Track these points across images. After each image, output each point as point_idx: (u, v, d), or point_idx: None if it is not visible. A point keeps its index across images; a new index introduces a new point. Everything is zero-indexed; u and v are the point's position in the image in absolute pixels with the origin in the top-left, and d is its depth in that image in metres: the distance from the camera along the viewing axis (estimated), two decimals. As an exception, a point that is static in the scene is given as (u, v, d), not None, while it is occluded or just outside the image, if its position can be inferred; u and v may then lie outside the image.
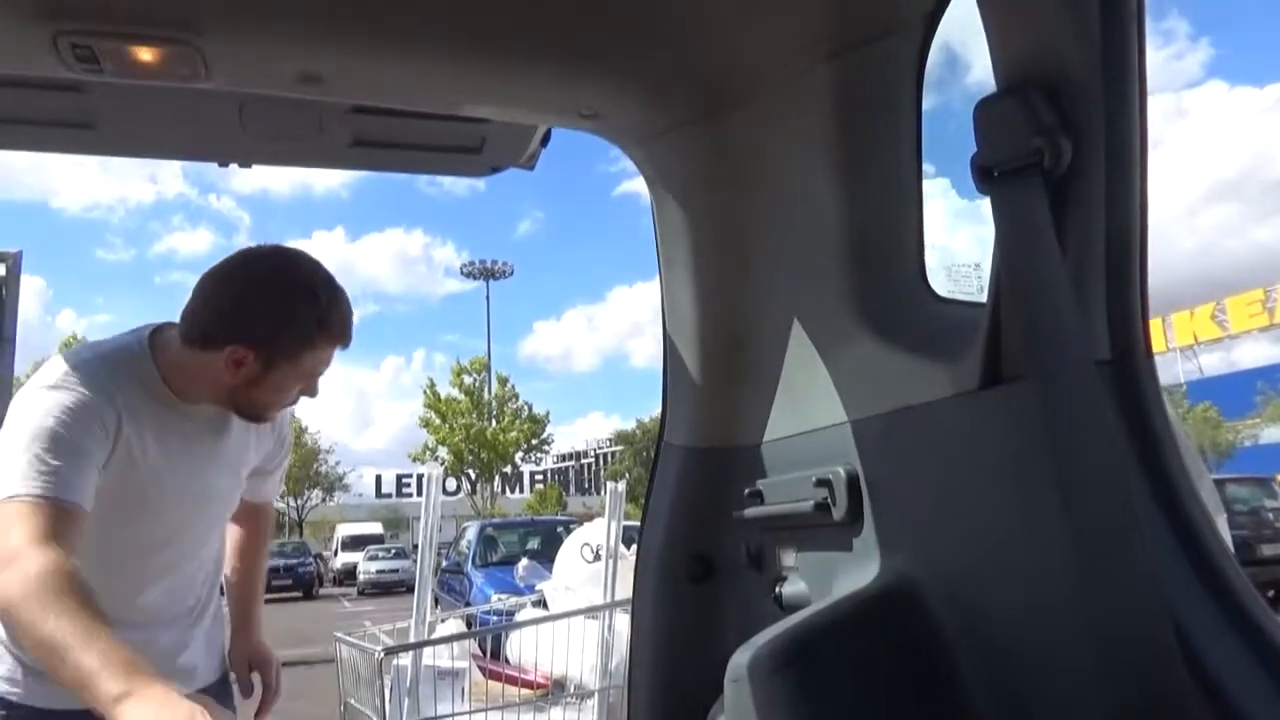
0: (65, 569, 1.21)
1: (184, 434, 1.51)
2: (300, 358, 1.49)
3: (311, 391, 1.57)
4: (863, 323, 1.19)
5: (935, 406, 1.05)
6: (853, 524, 1.18)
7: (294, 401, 1.59)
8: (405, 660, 2.34)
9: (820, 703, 1.03)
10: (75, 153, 1.94)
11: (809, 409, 1.28)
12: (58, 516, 1.26)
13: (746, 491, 1.39)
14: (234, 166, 1.84)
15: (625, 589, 2.71)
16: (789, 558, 1.34)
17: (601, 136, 1.41)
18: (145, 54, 1.15)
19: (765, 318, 1.37)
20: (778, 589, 1.33)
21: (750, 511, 1.38)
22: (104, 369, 1.43)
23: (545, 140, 1.77)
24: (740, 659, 1.03)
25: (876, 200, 1.21)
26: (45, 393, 1.36)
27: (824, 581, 1.24)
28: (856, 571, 1.16)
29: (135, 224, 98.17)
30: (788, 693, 1.02)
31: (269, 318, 1.44)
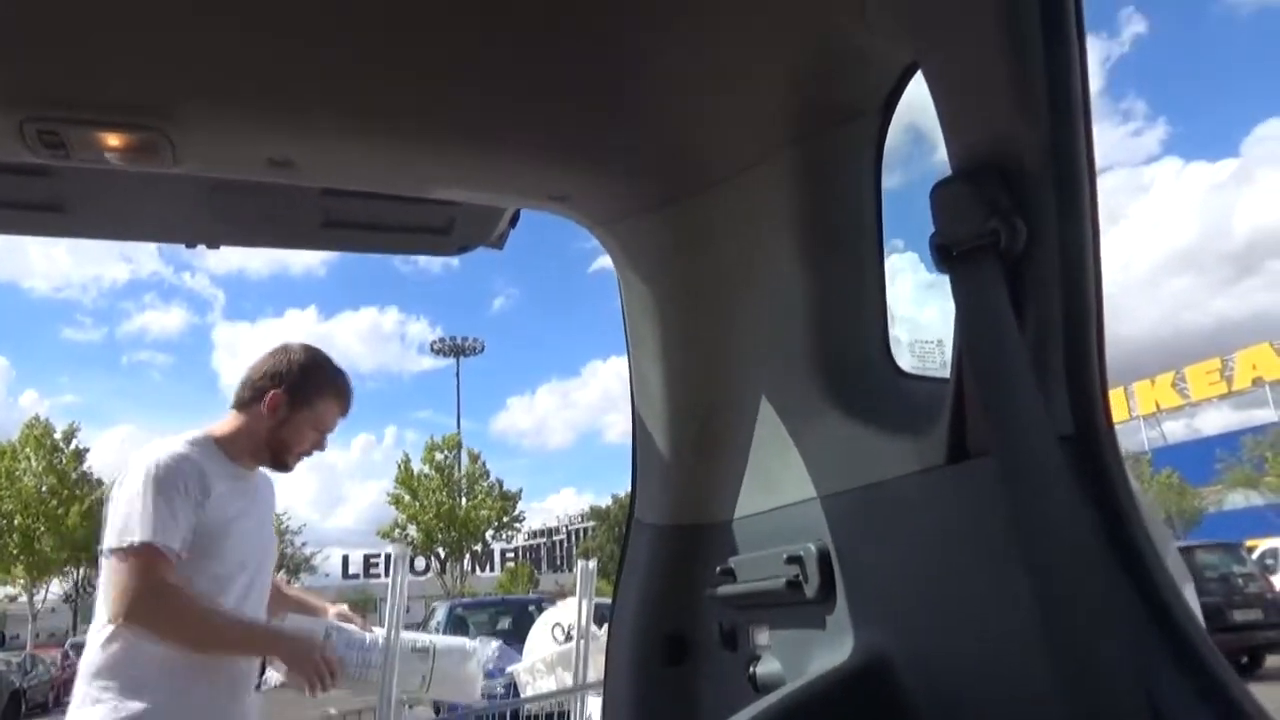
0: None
1: (244, 490, 2.03)
2: (316, 405, 2.06)
3: (321, 445, 2.12)
4: (829, 399, 1.21)
5: (903, 482, 1.06)
6: (825, 601, 1.17)
7: (309, 452, 2.10)
8: (370, 750, 2.26)
9: None
10: (42, 235, 1.94)
11: (779, 485, 1.28)
12: (168, 558, 1.82)
13: (718, 569, 1.38)
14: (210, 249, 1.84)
15: (597, 670, 2.65)
16: (762, 636, 1.32)
17: (569, 218, 1.43)
18: (113, 140, 1.16)
19: (733, 395, 1.38)
20: (752, 669, 1.31)
21: (723, 590, 1.37)
22: (188, 450, 1.94)
23: (514, 220, 1.79)
24: None
25: (840, 280, 1.24)
26: (153, 472, 1.86)
27: (798, 660, 1.22)
28: (830, 650, 1.15)
29: (106, 303, 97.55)
30: None
31: (299, 370, 2.06)
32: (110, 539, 1.84)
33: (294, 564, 45.59)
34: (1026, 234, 0.87)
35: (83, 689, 1.83)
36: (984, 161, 0.90)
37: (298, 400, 2.05)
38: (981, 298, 0.89)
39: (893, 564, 1.08)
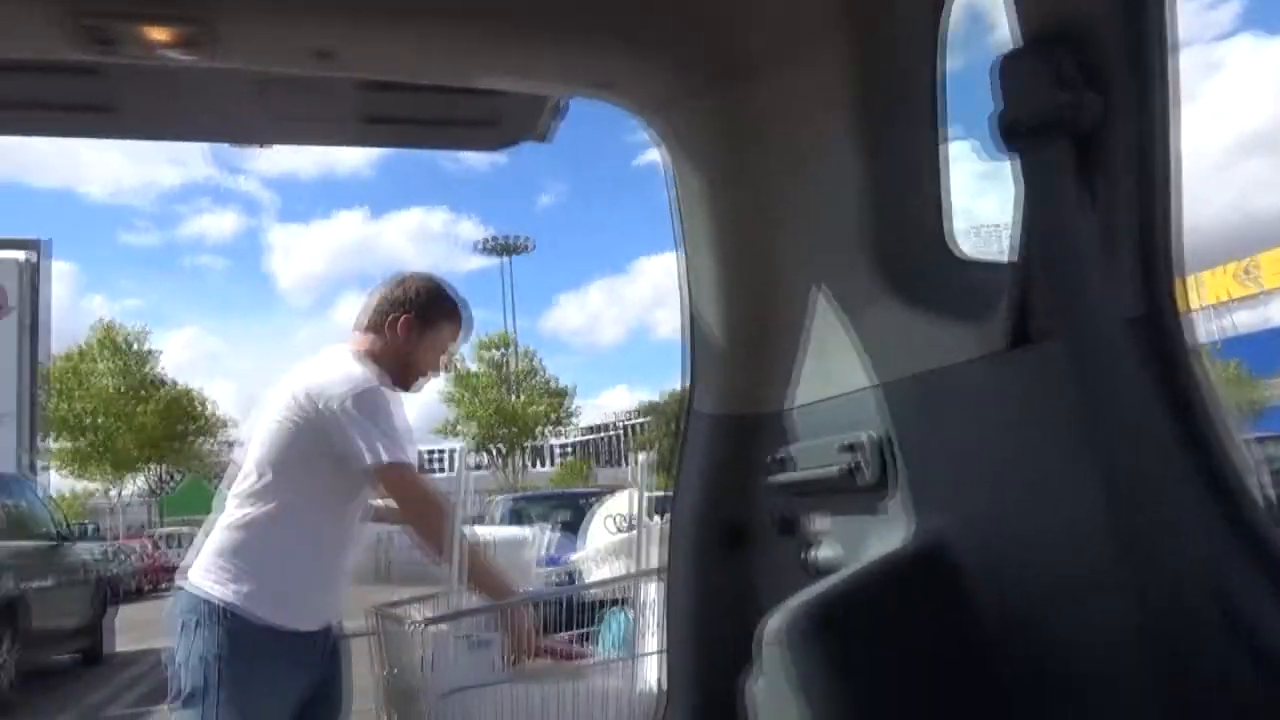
0: None
1: None
2: (441, 328, 2.20)
3: (440, 367, 2.26)
4: (887, 286, 1.18)
5: (963, 368, 1.04)
6: (881, 488, 1.18)
7: (430, 374, 2.24)
8: (442, 631, 2.37)
9: (853, 665, 1.04)
10: (94, 136, 1.97)
11: (835, 374, 1.28)
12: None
13: (773, 458, 1.39)
14: (259, 148, 1.86)
15: (653, 558, 2.72)
16: (819, 523, 1.34)
17: (618, 105, 1.40)
18: (158, 33, 1.15)
19: (787, 284, 1.36)
20: (808, 554, 1.34)
21: (778, 478, 1.38)
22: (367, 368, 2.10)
23: (561, 112, 1.76)
24: (773, 624, 1.04)
25: (897, 164, 1.20)
26: (374, 392, 2.04)
27: (854, 547, 1.24)
28: (887, 536, 1.16)
29: (162, 208, 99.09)
30: (820, 656, 1.03)
31: (425, 295, 2.20)
32: (364, 458, 1.99)
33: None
34: (1098, 109, 0.83)
35: (207, 563, 2.02)
36: (1053, 29, 0.85)
37: (424, 324, 2.19)
38: (1049, 175, 0.85)
39: (952, 451, 1.08)
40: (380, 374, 2.13)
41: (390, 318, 2.20)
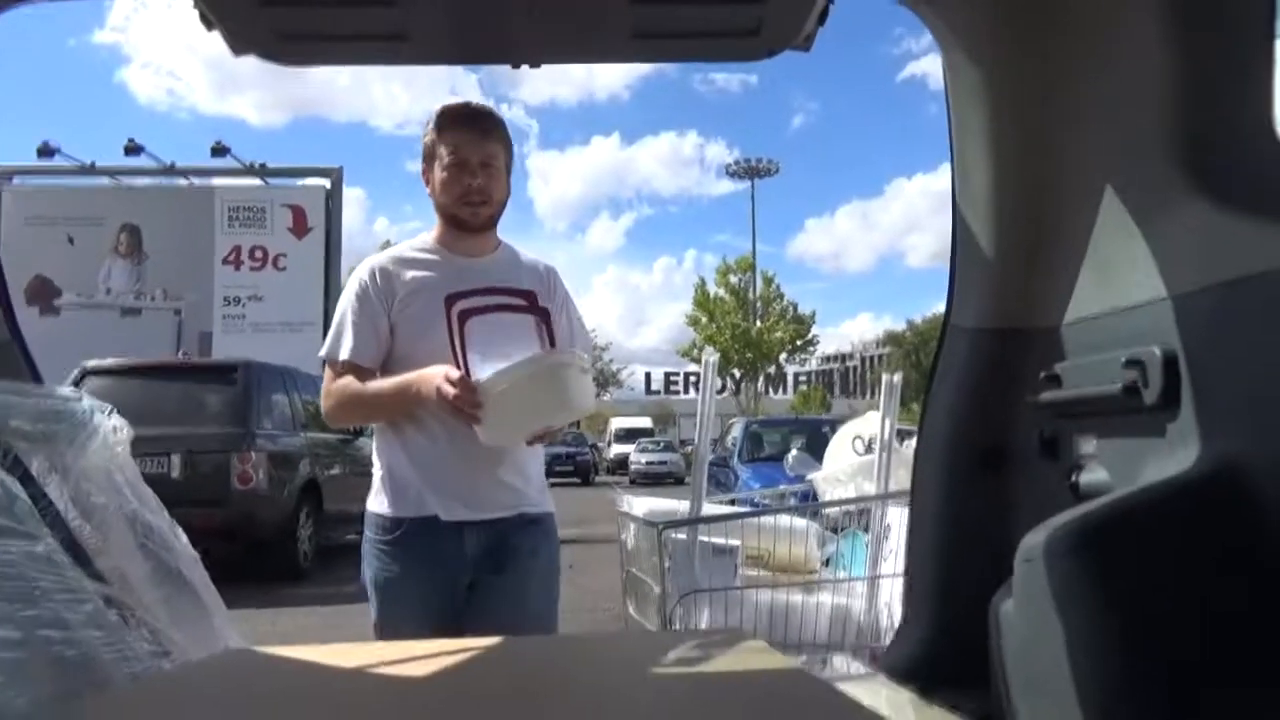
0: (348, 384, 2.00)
1: (449, 274, 2.01)
2: (433, 148, 2.06)
3: (461, 170, 2.03)
4: (1193, 182, 1.07)
5: (1277, 276, 0.93)
6: (1166, 408, 1.08)
7: (458, 187, 2.03)
8: (682, 535, 2.48)
9: (1121, 590, 0.98)
10: (388, 63, 2.13)
11: (1121, 284, 1.18)
12: (343, 368, 2.00)
13: (1043, 375, 1.31)
14: (525, 74, 1.94)
15: (897, 483, 2.69)
16: (1088, 445, 1.26)
17: None
18: None
19: (1072, 185, 1.26)
20: (1074, 477, 1.26)
21: (1046, 396, 1.30)
22: (388, 256, 2.09)
23: (823, 18, 1.70)
24: (1034, 540, 1.00)
25: (1212, 47, 1.06)
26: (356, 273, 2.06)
27: (1129, 470, 1.16)
28: (1169, 459, 1.07)
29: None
30: (1084, 577, 0.98)
31: (422, 138, 2.13)
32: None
33: (602, 379, 49.44)
34: None
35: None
36: None
37: (427, 160, 2.12)
38: None
39: (1258, 368, 0.97)
40: (440, 233, 2.09)
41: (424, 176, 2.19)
